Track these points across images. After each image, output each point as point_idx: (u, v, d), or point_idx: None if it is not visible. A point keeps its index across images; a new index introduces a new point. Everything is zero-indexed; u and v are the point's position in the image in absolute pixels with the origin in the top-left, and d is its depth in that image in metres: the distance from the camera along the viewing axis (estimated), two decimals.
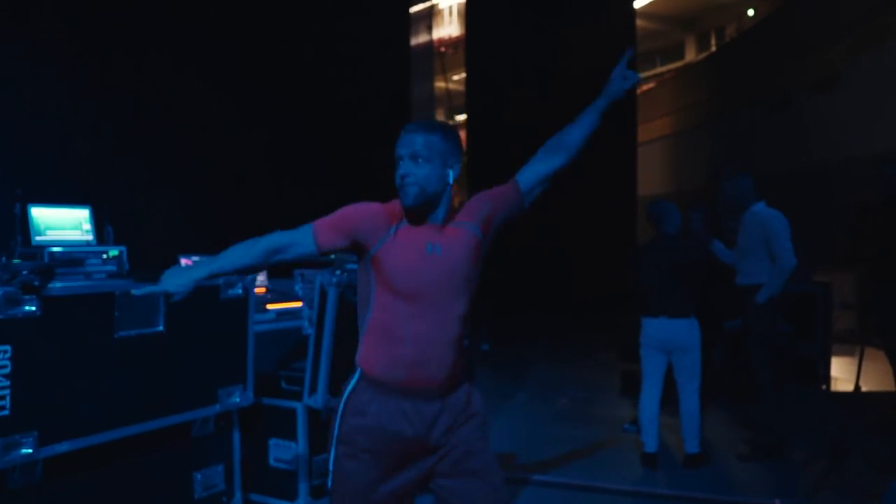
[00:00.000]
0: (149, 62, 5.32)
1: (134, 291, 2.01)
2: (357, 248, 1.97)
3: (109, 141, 4.98)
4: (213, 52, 6.09)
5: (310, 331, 3.15)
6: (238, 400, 3.21)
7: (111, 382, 2.71)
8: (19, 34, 4.62)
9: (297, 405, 3.34)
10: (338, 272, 2.97)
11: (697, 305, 4.10)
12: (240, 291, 3.00)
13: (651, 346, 4.18)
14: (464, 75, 16.05)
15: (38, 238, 3.81)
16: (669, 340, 4.11)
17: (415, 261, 1.92)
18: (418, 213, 1.95)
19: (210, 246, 4.84)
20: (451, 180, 1.97)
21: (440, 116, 24.79)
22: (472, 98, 14.48)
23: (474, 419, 2.02)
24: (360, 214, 1.96)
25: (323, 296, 3.01)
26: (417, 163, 1.92)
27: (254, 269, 2.12)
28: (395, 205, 2.01)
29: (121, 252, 3.90)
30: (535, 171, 2.16)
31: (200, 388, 3.07)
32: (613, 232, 12.65)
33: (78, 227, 4.02)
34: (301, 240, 1.95)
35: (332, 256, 5.19)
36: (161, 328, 2.72)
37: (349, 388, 1.99)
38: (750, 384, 4.49)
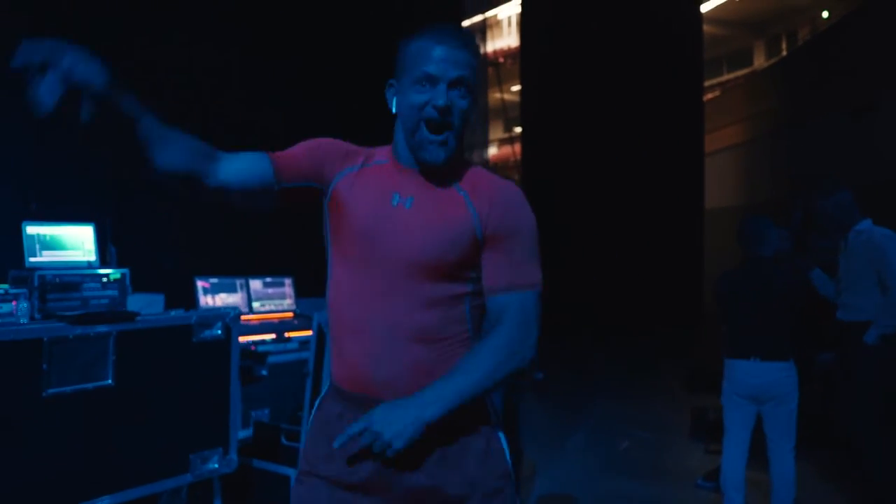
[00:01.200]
0: (167, 68, 4.94)
1: None
2: (320, 184, 1.47)
3: (118, 151, 4.59)
4: (244, 64, 5.71)
5: (307, 380, 2.62)
6: (217, 466, 2.66)
7: (41, 453, 2.16)
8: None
9: (292, 472, 2.78)
10: None
11: (795, 345, 3.39)
12: (219, 332, 2.47)
13: (738, 394, 3.46)
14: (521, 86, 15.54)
15: (32, 259, 3.42)
16: (761, 388, 3.39)
17: (371, 208, 1.42)
18: (434, 172, 1.43)
19: (227, 267, 4.46)
20: (471, 116, 1.43)
21: (497, 128, 24.28)
22: (527, 110, 13.94)
23: (498, 496, 1.42)
24: (326, 141, 1.51)
25: (321, 337, 2.48)
26: (460, 91, 1.38)
27: (182, 175, 1.36)
28: (372, 149, 1.52)
29: (123, 275, 3.49)
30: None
31: (166, 453, 2.52)
32: (679, 248, 11.96)
33: (79, 246, 3.63)
34: (254, 162, 1.41)
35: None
36: (109, 381, 2.21)
37: (318, 398, 1.51)
38: (846, 430, 3.75)
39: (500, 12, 23.35)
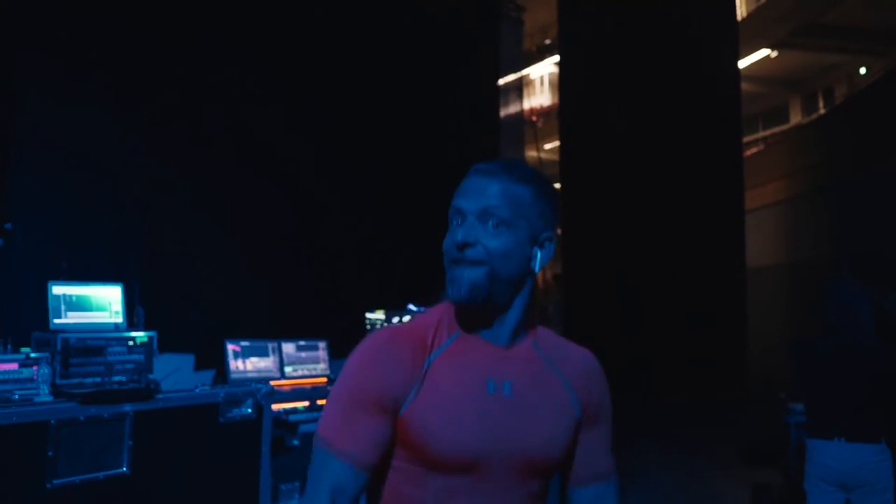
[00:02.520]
0: (202, 128, 4.87)
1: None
2: (395, 413, 1.15)
3: (149, 211, 4.50)
4: (282, 118, 5.65)
5: None
6: None
7: None
8: (58, 90, 4.24)
9: None
10: None
11: (888, 425, 3.03)
12: (249, 411, 2.25)
13: (822, 479, 3.08)
14: (556, 143, 15.48)
15: (56, 321, 3.27)
16: (848, 473, 3.01)
17: (467, 407, 1.14)
18: (474, 318, 1.18)
19: (258, 328, 4.26)
20: (537, 266, 1.18)
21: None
22: (566, 167, 13.82)
23: None
24: (377, 364, 1.16)
25: None
26: (488, 225, 1.14)
27: None
28: (429, 318, 1.22)
29: (150, 338, 3.32)
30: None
31: None
32: (721, 307, 11.56)
33: (106, 307, 3.48)
34: (329, 474, 1.11)
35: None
36: (124, 469, 1.97)
37: None
38: None
39: (533, 72, 23.57)
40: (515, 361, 1.19)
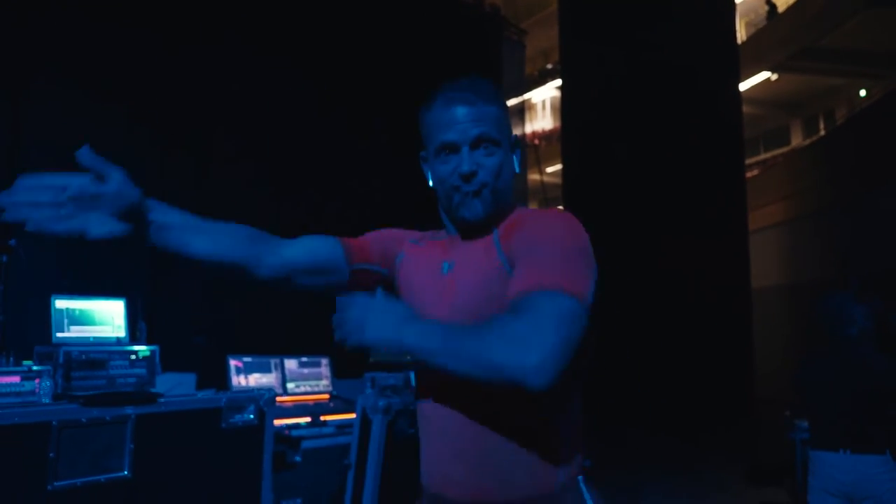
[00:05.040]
0: (207, 143, 4.91)
1: None
2: (387, 269, 1.46)
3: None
4: (287, 135, 5.68)
5: (349, 473, 2.35)
6: None
7: None
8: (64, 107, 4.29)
9: None
10: (388, 392, 2.19)
11: (893, 436, 3.00)
12: (251, 417, 2.23)
13: (828, 491, 3.05)
14: (558, 167, 15.57)
15: (59, 334, 3.28)
16: (854, 485, 2.98)
17: (425, 282, 1.37)
18: (478, 229, 1.33)
19: (261, 345, 4.25)
20: (517, 167, 1.35)
21: (535, 207, 24.24)
22: (568, 190, 13.85)
23: None
24: (388, 229, 1.52)
25: (365, 425, 2.23)
26: (481, 150, 1.29)
27: (240, 269, 1.35)
28: (435, 231, 1.47)
29: (153, 352, 3.31)
30: None
31: None
32: (726, 329, 11.46)
33: (109, 321, 3.48)
34: (324, 243, 1.41)
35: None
36: (126, 473, 1.95)
37: None
38: None
39: (535, 96, 23.76)
40: (467, 245, 1.35)
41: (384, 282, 1.43)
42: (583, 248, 1.22)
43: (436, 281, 1.34)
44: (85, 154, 1.26)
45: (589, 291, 1.15)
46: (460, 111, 1.28)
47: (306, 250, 1.39)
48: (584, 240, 1.24)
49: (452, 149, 1.29)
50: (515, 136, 1.37)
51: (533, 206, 24.90)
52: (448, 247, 1.39)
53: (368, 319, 1.15)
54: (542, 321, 1.03)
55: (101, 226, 1.23)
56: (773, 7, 18.96)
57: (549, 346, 1.01)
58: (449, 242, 1.39)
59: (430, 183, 1.37)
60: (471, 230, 1.33)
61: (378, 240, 1.47)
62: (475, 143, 1.28)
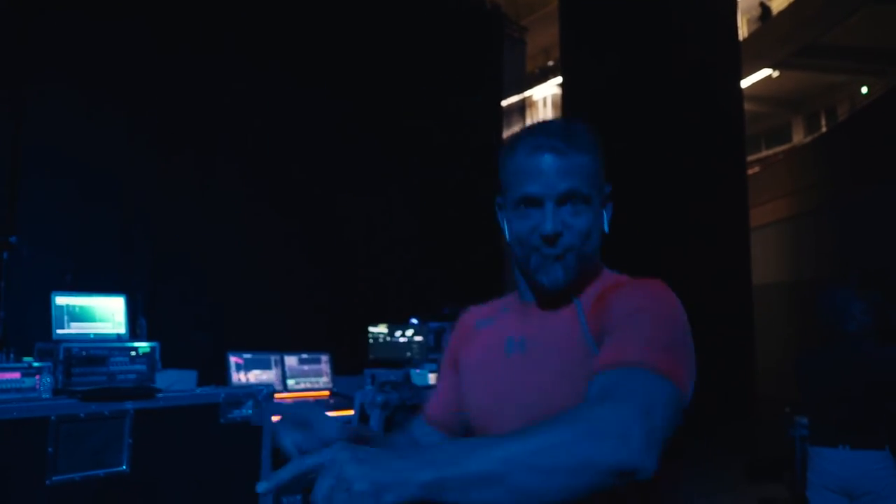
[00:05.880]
0: (208, 142, 4.92)
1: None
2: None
3: (153, 223, 4.53)
4: (290, 137, 5.69)
5: None
6: None
7: None
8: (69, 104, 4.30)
9: None
10: (387, 388, 2.19)
11: (892, 432, 3.00)
12: (250, 412, 2.25)
13: (826, 486, 3.06)
14: None
15: (59, 331, 3.28)
16: (853, 480, 2.98)
17: (487, 369, 1.18)
18: (558, 297, 1.15)
19: (261, 342, 4.26)
20: (607, 227, 1.19)
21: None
22: None
23: None
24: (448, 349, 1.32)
25: (363, 420, 2.24)
26: (568, 207, 1.12)
27: None
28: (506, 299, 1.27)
29: (153, 349, 3.31)
30: None
31: None
32: (727, 329, 11.45)
33: (109, 318, 3.48)
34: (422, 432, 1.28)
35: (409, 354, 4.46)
36: (124, 467, 1.97)
37: None
38: None
39: (536, 93, 23.73)
40: (543, 316, 1.16)
41: None
42: (682, 327, 1.12)
43: (501, 363, 1.17)
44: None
45: (687, 380, 1.06)
46: (547, 160, 1.10)
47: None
48: (684, 319, 1.13)
49: (535, 203, 1.11)
50: (609, 188, 1.21)
51: None
52: (521, 318, 1.20)
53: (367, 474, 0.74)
54: (627, 403, 0.88)
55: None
56: (766, 9, 18.95)
57: (642, 429, 0.84)
58: (522, 311, 1.21)
59: (507, 237, 1.19)
60: (549, 298, 1.16)
61: (445, 375, 1.30)
62: (562, 200, 1.10)
